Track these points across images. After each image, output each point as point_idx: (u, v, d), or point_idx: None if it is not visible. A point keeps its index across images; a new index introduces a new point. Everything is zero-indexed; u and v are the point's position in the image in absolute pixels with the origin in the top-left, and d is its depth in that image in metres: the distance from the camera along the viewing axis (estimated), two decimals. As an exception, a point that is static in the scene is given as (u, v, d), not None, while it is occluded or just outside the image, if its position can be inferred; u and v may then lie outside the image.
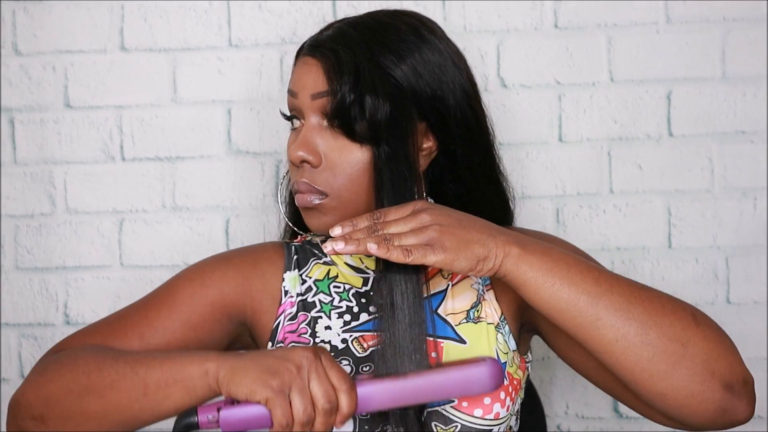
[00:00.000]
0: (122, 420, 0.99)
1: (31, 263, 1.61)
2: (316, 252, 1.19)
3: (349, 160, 1.09)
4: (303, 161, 1.10)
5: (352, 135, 1.08)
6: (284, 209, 1.22)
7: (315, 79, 1.09)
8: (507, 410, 1.11)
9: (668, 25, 1.51)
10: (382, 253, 0.97)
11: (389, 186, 1.07)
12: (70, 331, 1.59)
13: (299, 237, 1.23)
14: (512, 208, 1.23)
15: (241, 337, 1.17)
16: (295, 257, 1.18)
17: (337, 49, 1.09)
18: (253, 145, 1.57)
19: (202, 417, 0.97)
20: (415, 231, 0.99)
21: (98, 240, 1.60)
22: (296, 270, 1.17)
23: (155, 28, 1.58)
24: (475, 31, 1.54)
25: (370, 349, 1.12)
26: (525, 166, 1.53)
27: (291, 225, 1.21)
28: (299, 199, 1.11)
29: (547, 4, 1.53)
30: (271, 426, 0.94)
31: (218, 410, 0.97)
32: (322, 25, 1.17)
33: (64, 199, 1.60)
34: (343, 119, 1.08)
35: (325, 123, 1.10)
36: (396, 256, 0.97)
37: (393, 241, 0.98)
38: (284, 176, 1.22)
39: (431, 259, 0.97)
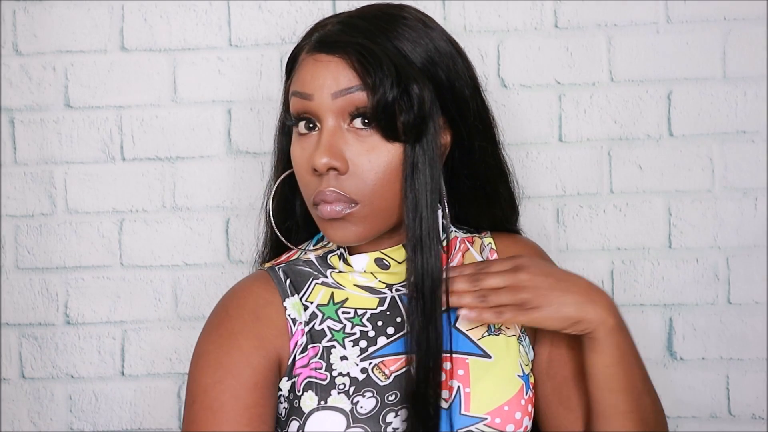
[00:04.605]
0: None
1: (31, 263, 1.61)
2: (313, 271, 1.10)
3: (379, 162, 1.00)
4: (330, 168, 1.00)
5: (390, 134, 1.00)
6: (274, 222, 1.12)
7: (335, 75, 1.00)
8: (530, 419, 1.09)
9: (668, 24, 1.51)
10: (474, 317, 1.02)
11: (429, 188, 1.01)
12: (71, 331, 1.60)
13: (283, 255, 1.14)
14: (518, 204, 1.22)
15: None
16: (288, 281, 1.08)
17: (360, 41, 1.00)
18: (253, 145, 1.57)
19: None
20: (510, 289, 1.02)
21: (98, 240, 1.60)
22: (295, 295, 1.07)
23: (155, 28, 1.58)
24: (475, 31, 1.54)
25: (393, 375, 1.03)
26: (525, 166, 1.52)
27: (282, 239, 1.11)
28: (324, 211, 1.01)
29: (547, 4, 1.53)
30: None
31: None
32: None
33: (64, 199, 1.60)
34: (386, 115, 0.99)
35: (344, 125, 1.01)
36: (488, 318, 1.02)
37: (488, 301, 1.02)
38: (270, 184, 1.14)
39: (521, 318, 1.02)
